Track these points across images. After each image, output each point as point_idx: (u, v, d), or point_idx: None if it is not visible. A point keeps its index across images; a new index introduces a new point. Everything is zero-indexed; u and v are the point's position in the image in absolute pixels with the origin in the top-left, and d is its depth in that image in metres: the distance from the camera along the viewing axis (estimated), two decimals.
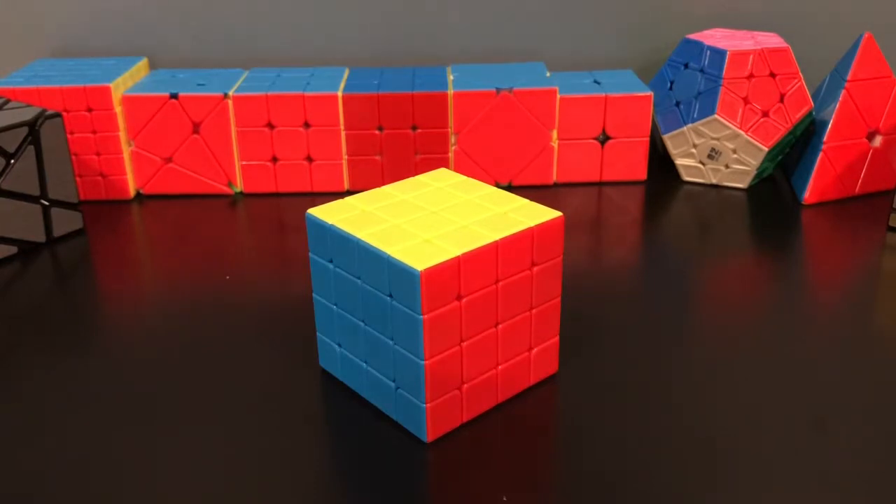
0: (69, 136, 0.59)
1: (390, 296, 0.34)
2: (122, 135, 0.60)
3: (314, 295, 0.39)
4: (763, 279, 0.50)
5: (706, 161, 0.62)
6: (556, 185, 0.63)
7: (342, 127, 0.60)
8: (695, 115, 0.61)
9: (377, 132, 0.60)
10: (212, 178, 0.61)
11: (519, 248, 0.36)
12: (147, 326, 0.46)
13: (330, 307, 0.39)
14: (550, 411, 0.39)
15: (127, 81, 0.62)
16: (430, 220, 0.37)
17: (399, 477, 0.34)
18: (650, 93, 0.61)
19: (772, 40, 0.61)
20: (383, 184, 0.55)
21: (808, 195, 0.58)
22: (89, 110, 0.59)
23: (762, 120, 0.59)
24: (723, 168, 0.62)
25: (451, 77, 0.63)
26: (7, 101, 0.55)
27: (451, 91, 0.60)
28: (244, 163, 0.61)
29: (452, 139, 0.61)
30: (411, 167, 0.61)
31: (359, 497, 0.33)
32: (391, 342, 0.35)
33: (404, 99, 0.59)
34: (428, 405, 0.35)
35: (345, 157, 0.61)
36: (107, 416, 0.38)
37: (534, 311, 0.38)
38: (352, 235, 0.36)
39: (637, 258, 0.54)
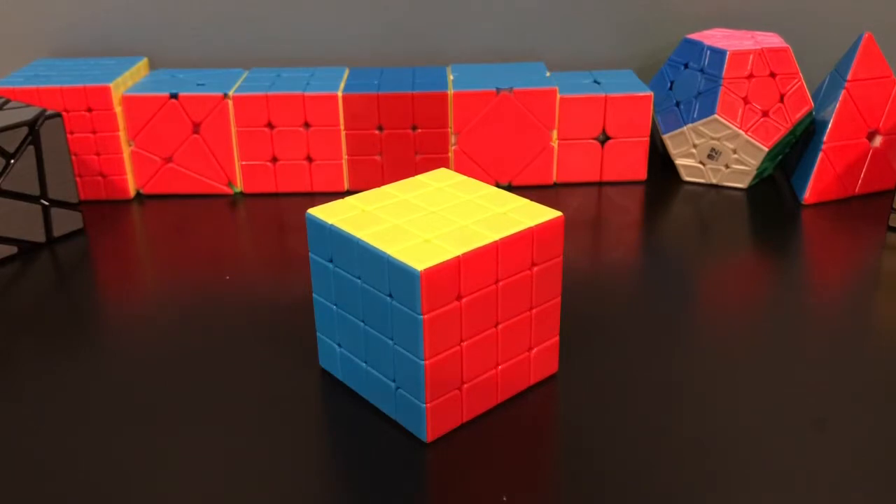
0: (69, 136, 0.59)
1: (390, 296, 0.34)
2: (122, 135, 0.60)
3: (314, 295, 0.39)
4: (763, 279, 0.50)
5: (706, 161, 0.62)
6: (556, 185, 0.63)
7: (342, 127, 0.60)
8: (695, 115, 0.61)
9: (377, 132, 0.60)
10: (212, 178, 0.61)
11: (519, 248, 0.36)
12: (147, 326, 0.46)
13: (330, 307, 0.39)
14: (550, 411, 0.39)
15: (127, 81, 0.62)
16: (430, 220, 0.37)
17: (399, 477, 0.34)
18: (650, 93, 0.61)
19: (772, 40, 0.61)
20: (383, 184, 0.55)
21: (808, 195, 0.58)
22: (89, 110, 0.59)
23: (762, 120, 0.59)
24: (723, 168, 0.62)
25: (451, 77, 0.63)
26: (7, 101, 0.55)
27: (451, 91, 0.60)
28: (244, 163, 0.61)
29: (452, 139, 0.61)
30: (411, 167, 0.61)
31: (359, 497, 0.33)
32: (391, 342, 0.35)
33: (404, 99, 0.59)
34: (428, 405, 0.35)
35: (345, 157, 0.61)
36: (107, 416, 0.38)
37: (534, 311, 0.38)
38: (352, 235, 0.36)
39: (637, 258, 0.54)
